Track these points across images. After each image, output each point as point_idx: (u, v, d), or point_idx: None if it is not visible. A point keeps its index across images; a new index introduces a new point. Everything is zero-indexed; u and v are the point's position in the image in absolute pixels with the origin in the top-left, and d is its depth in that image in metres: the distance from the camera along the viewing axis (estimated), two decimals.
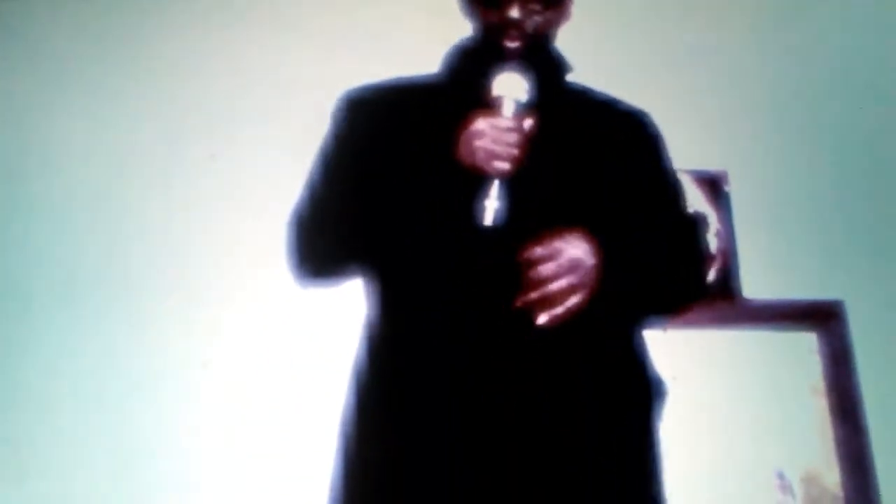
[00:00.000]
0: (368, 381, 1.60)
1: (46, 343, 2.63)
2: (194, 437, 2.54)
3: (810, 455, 2.70)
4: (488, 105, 1.56)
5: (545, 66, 1.67)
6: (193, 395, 2.57)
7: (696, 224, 1.76)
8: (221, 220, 2.72)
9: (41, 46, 2.92)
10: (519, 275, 1.49)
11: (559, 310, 1.48)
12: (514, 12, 1.62)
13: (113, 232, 2.74)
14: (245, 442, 2.55)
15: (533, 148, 1.55)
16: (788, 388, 2.75)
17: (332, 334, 2.27)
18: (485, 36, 1.68)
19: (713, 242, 2.84)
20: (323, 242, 1.65)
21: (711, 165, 2.86)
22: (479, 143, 1.52)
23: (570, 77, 1.74)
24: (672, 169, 1.75)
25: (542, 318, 1.49)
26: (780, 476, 2.67)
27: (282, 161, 2.38)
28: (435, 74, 1.75)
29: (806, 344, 2.80)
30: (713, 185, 2.88)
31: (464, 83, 1.65)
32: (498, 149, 1.51)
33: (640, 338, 1.64)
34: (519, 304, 1.48)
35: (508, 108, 1.55)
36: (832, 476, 2.68)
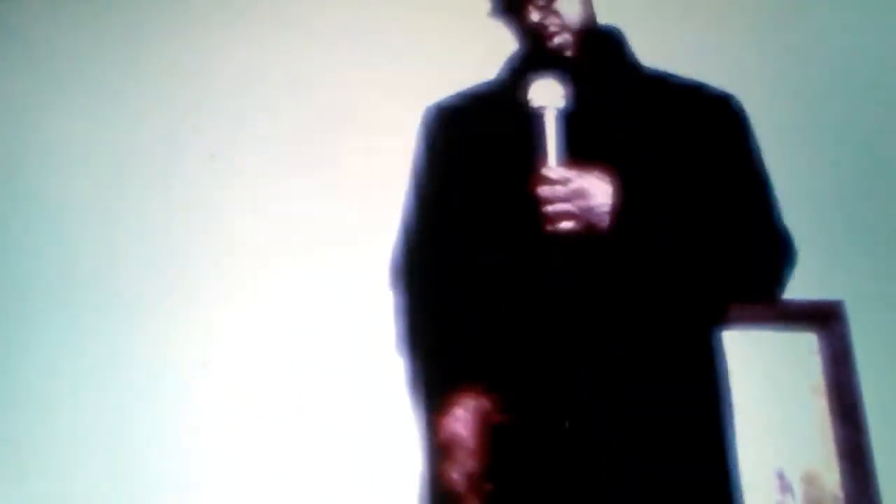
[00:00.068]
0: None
1: (46, 343, 2.63)
2: (194, 437, 2.54)
3: (810, 455, 2.70)
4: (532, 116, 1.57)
5: (598, 57, 1.68)
6: (193, 395, 2.57)
7: (765, 222, 1.73)
8: (221, 220, 2.72)
9: (41, 46, 2.92)
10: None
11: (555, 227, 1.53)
12: (534, 16, 1.63)
13: (113, 232, 2.74)
14: (245, 442, 2.55)
15: (597, 142, 1.58)
16: (788, 388, 2.75)
17: (333, 334, 2.28)
18: (527, 42, 1.69)
19: None
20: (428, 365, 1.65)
21: None
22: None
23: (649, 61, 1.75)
24: (754, 156, 1.73)
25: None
26: (780, 476, 2.67)
27: (282, 161, 2.38)
28: (496, 82, 1.76)
29: (806, 344, 2.80)
30: None
31: (509, 93, 1.65)
32: None
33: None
34: None
35: (550, 118, 1.56)
36: (832, 476, 2.68)
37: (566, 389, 1.50)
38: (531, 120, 1.57)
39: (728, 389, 1.66)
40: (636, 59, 1.77)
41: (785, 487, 2.67)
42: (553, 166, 1.55)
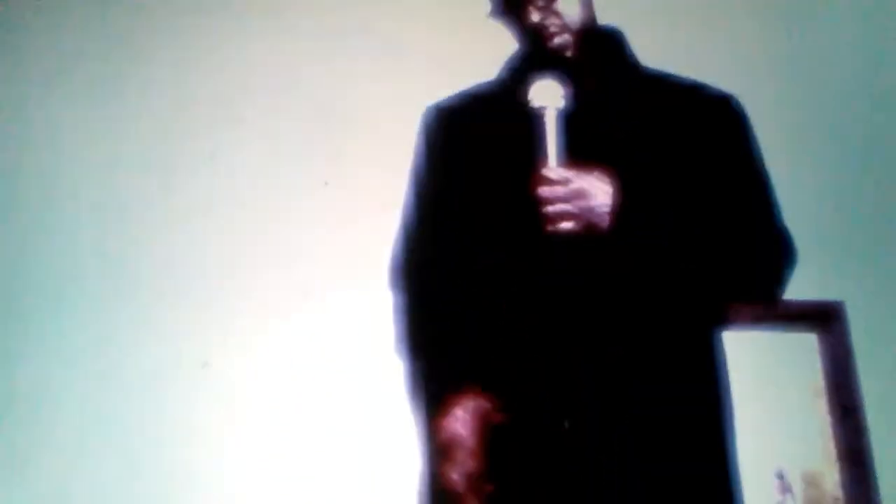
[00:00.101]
0: None
1: (46, 343, 2.63)
2: (194, 436, 2.54)
3: (810, 455, 2.70)
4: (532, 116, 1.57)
5: (598, 57, 1.68)
6: (193, 395, 2.57)
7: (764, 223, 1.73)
8: (221, 219, 2.72)
9: (41, 46, 2.92)
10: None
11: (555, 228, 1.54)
12: (534, 16, 1.63)
13: (113, 231, 2.74)
14: (245, 442, 2.55)
15: (598, 141, 1.58)
16: (788, 388, 2.75)
17: (333, 334, 2.27)
18: (527, 42, 1.69)
19: None
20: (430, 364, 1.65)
21: None
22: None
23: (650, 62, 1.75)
24: (754, 156, 1.73)
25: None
26: (780, 476, 2.67)
27: (282, 160, 2.38)
28: (496, 82, 1.76)
29: (806, 344, 2.80)
30: None
31: (509, 94, 1.66)
32: None
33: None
34: None
35: (550, 118, 1.56)
36: (832, 476, 2.68)
37: (566, 389, 1.50)
38: (531, 120, 1.57)
39: (728, 389, 1.66)
40: (636, 59, 1.77)
41: (785, 487, 2.67)
42: (553, 166, 1.55)
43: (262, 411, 2.57)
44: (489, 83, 1.76)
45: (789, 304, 2.79)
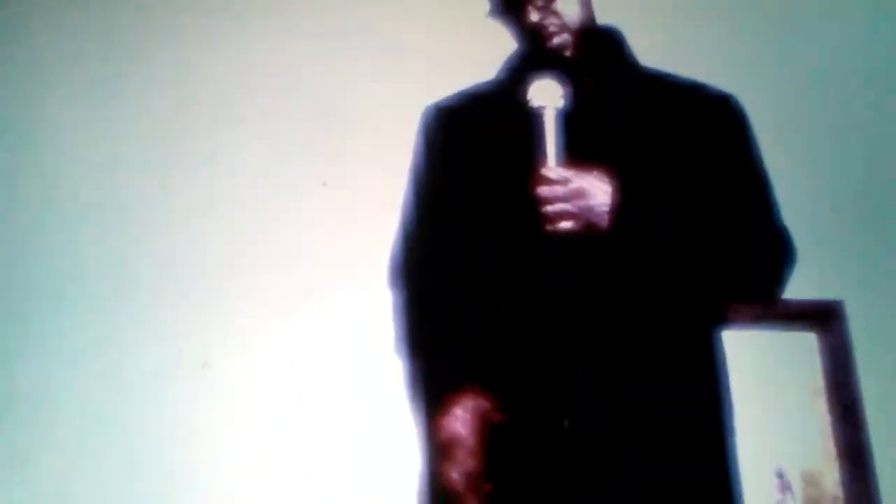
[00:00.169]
0: None
1: (46, 343, 2.64)
2: (194, 436, 2.54)
3: (810, 454, 2.70)
4: (531, 115, 1.58)
5: (597, 57, 1.68)
6: (193, 395, 2.58)
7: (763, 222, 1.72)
8: (221, 219, 2.72)
9: (41, 47, 2.92)
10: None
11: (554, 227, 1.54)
12: (533, 16, 1.63)
13: (112, 231, 2.74)
14: (245, 442, 2.55)
15: (596, 141, 1.58)
16: (788, 387, 2.75)
17: (332, 334, 2.28)
18: (527, 42, 1.69)
19: None
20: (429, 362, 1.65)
21: None
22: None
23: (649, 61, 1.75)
24: (753, 156, 1.73)
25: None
26: (780, 476, 2.67)
27: (282, 160, 2.38)
28: (495, 82, 1.76)
29: (806, 344, 2.80)
30: None
31: (509, 93, 1.66)
32: None
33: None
34: None
35: (550, 118, 1.56)
36: (832, 475, 2.68)
37: (565, 389, 1.50)
38: (531, 120, 1.57)
39: (728, 389, 1.66)
40: (636, 59, 1.77)
41: (785, 487, 2.67)
42: (552, 166, 1.55)
43: (262, 411, 2.58)
44: (488, 83, 1.76)
45: (789, 303, 2.79)
